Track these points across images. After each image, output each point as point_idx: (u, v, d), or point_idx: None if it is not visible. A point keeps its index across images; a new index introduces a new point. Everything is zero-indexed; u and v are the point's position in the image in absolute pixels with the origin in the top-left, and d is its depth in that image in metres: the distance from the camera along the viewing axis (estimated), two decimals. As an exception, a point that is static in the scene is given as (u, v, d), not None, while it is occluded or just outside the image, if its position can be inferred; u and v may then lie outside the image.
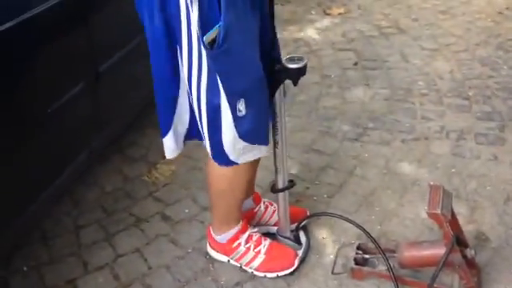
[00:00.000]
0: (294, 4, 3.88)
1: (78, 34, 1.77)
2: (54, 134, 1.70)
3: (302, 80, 1.60)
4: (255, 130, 1.51)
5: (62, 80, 1.71)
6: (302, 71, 1.54)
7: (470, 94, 2.68)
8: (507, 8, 3.57)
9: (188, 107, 1.55)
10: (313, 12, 3.74)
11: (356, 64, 3.04)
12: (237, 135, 1.48)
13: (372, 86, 2.82)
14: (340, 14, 3.69)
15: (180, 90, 1.52)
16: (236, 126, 1.47)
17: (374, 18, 3.58)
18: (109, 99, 1.99)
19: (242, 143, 1.50)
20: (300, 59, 1.53)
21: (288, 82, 1.58)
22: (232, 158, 1.52)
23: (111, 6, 1.94)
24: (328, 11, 3.73)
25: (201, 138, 1.57)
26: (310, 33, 3.44)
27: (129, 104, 2.16)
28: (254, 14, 1.41)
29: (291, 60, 1.53)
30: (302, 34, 3.41)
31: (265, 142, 1.58)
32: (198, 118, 1.51)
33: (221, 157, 1.53)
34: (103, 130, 2.01)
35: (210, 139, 1.51)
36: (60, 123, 1.72)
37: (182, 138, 1.61)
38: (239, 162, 1.54)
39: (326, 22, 3.60)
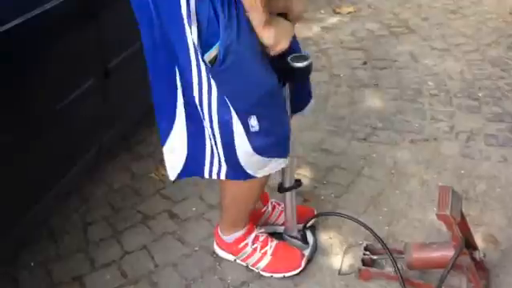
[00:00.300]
0: (304, 2, 3.86)
1: (88, 30, 1.77)
2: (62, 131, 1.70)
3: (311, 79, 1.59)
4: (271, 144, 1.47)
5: (72, 77, 1.71)
6: (306, 70, 1.47)
7: (480, 94, 2.66)
8: (518, 8, 3.55)
9: (186, 148, 1.52)
10: (322, 11, 3.73)
11: (365, 63, 3.03)
12: (251, 150, 1.45)
13: (381, 85, 2.80)
14: (349, 12, 3.67)
15: (175, 124, 1.49)
16: (250, 142, 1.43)
17: (383, 18, 3.56)
18: (118, 96, 1.99)
19: (257, 157, 1.47)
20: (305, 58, 1.46)
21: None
22: (250, 171, 1.50)
23: (121, 2, 1.94)
24: (337, 10, 3.71)
25: (199, 174, 1.55)
26: (319, 31, 3.43)
27: (138, 101, 2.15)
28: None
29: (295, 59, 1.46)
30: (310, 33, 3.40)
31: (283, 155, 1.52)
32: (212, 141, 1.47)
33: (239, 174, 1.50)
34: (112, 127, 2.01)
35: (226, 159, 1.48)
36: (69, 120, 1.72)
37: (180, 164, 1.56)
38: (257, 175, 1.52)
39: (335, 20, 3.58)
